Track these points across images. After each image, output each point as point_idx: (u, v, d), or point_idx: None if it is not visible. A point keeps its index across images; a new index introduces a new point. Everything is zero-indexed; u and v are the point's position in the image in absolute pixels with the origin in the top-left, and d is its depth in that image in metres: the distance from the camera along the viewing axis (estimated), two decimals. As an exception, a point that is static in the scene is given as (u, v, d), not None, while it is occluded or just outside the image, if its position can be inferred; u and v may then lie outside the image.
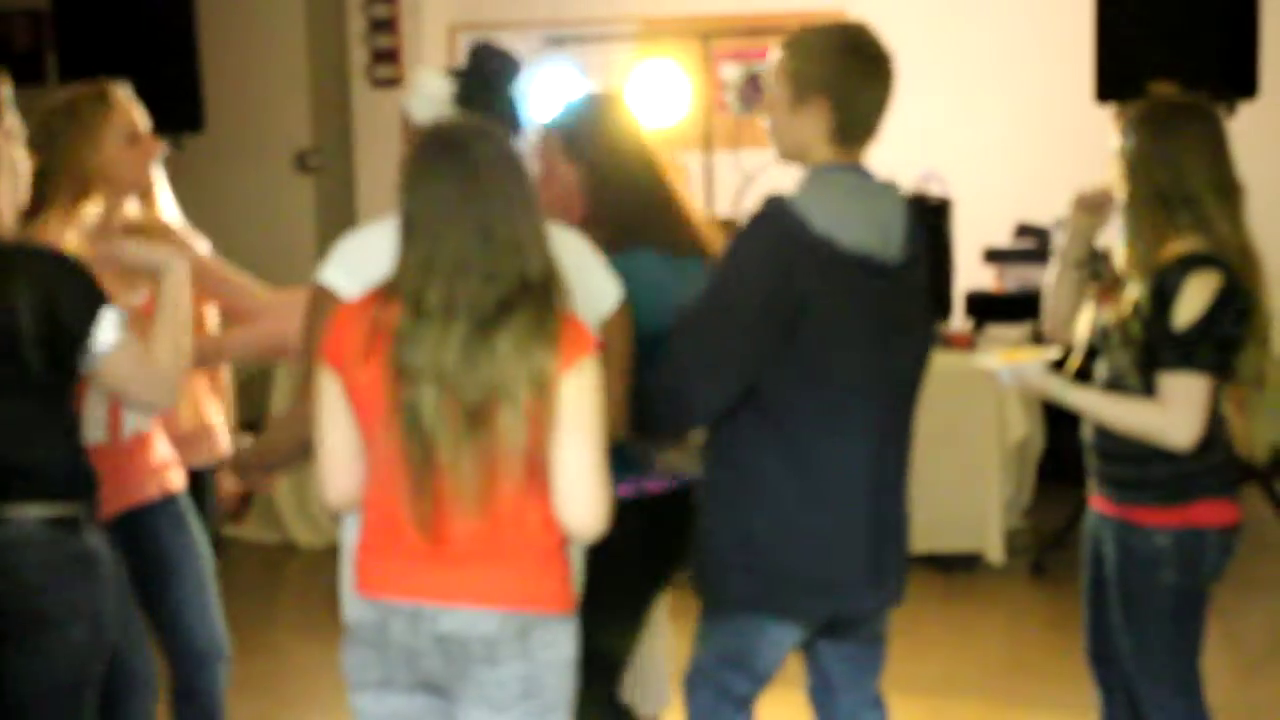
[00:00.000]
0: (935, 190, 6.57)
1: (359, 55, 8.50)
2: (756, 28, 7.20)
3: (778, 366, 3.22)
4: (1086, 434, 3.60)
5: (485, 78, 3.34)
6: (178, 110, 7.65)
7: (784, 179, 6.95)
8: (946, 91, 8.08)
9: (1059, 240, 3.80)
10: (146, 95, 7.52)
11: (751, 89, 7.89)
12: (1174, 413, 3.38)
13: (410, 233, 2.84)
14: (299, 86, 8.62)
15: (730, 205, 6.54)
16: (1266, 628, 5.76)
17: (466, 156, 2.85)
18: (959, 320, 6.71)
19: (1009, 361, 3.60)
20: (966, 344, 6.37)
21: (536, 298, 2.82)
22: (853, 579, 3.36)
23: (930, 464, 6.33)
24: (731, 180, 6.49)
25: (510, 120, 3.35)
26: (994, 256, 7.34)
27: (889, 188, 3.36)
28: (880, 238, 3.28)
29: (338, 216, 8.41)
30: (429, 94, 3.30)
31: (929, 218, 6.48)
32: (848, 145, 3.28)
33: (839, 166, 3.28)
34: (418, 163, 2.89)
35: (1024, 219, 7.69)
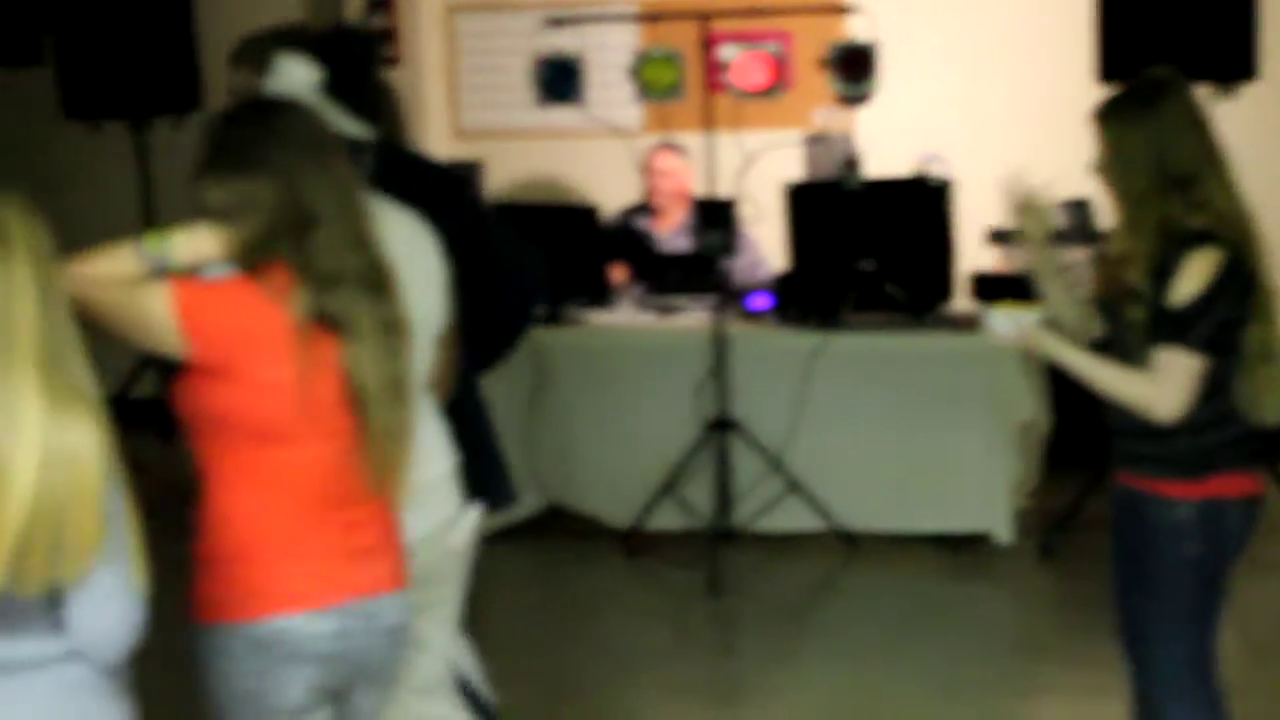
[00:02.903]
0: (937, 171, 6.54)
1: (357, 36, 8.47)
2: (756, 8, 7.16)
3: None
4: (1109, 412, 3.59)
5: (350, 62, 3.25)
6: (176, 90, 7.63)
7: (785, 159, 6.94)
8: (949, 72, 8.05)
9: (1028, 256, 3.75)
10: (145, 75, 7.49)
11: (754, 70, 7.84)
12: (1162, 387, 3.40)
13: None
14: (297, 66, 8.57)
15: (732, 186, 6.51)
16: (1275, 610, 5.74)
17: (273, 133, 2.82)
18: (963, 301, 6.67)
19: (1008, 313, 3.60)
20: (971, 325, 6.34)
21: None
22: None
23: (938, 444, 6.33)
24: (733, 161, 6.46)
25: (364, 107, 3.30)
26: (998, 238, 7.31)
27: None
28: None
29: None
30: (294, 81, 3.19)
31: (928, 199, 6.45)
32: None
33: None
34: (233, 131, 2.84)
35: (1026, 200, 7.65)
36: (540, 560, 6.52)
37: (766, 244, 7.03)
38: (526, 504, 6.67)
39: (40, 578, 2.30)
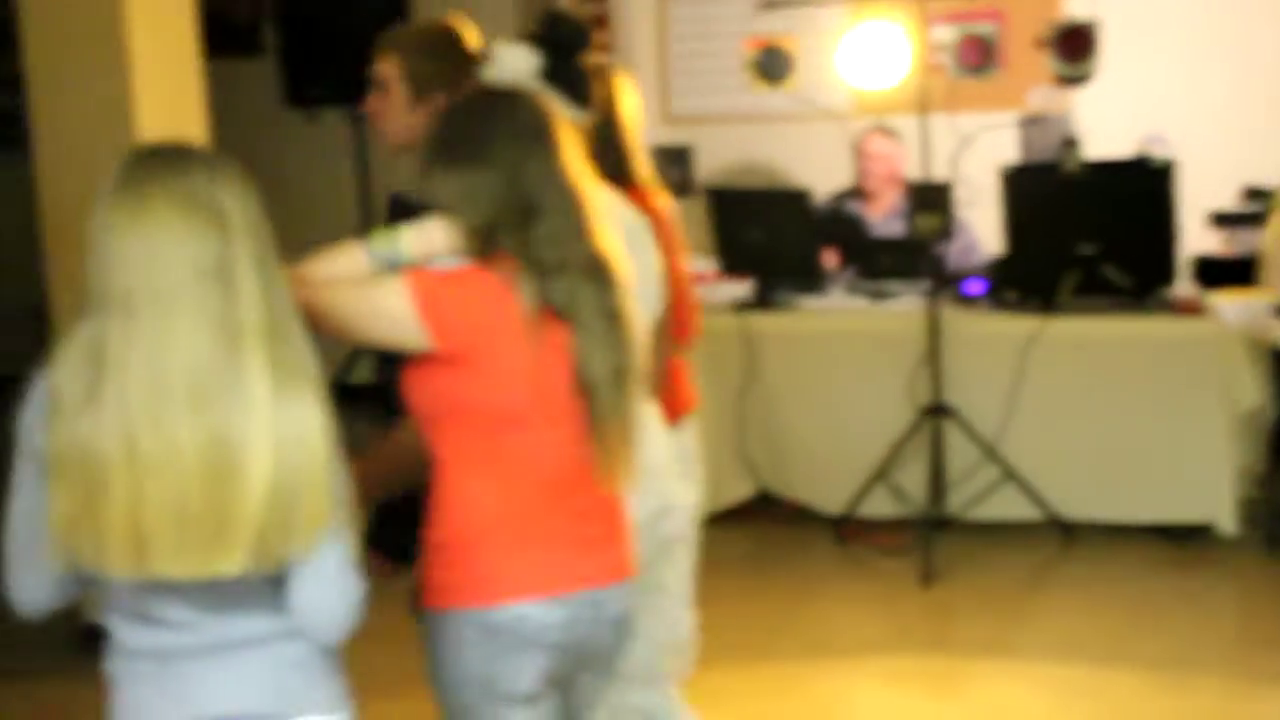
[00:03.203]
0: (1159, 152, 6.37)
1: (569, 23, 8.50)
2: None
3: None
4: None
5: (559, 48, 3.25)
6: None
7: (1000, 141, 6.83)
8: (1171, 52, 7.85)
9: None
10: (363, 63, 7.62)
11: (968, 51, 7.75)
12: None
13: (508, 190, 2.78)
14: (509, 55, 8.64)
15: (947, 168, 6.42)
16: None
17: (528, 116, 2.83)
18: (1185, 285, 6.50)
19: (1235, 299, 3.52)
20: (1194, 310, 6.17)
21: None
22: None
23: (1159, 432, 6.18)
24: (948, 143, 6.36)
25: (579, 92, 3.27)
26: (1221, 220, 7.11)
27: None
28: None
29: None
30: (514, 68, 3.19)
31: (1150, 181, 6.29)
32: None
33: None
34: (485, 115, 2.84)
35: (1250, 181, 7.44)
36: (751, 547, 6.50)
37: (981, 228, 6.93)
38: (738, 490, 6.67)
39: (274, 557, 2.34)
